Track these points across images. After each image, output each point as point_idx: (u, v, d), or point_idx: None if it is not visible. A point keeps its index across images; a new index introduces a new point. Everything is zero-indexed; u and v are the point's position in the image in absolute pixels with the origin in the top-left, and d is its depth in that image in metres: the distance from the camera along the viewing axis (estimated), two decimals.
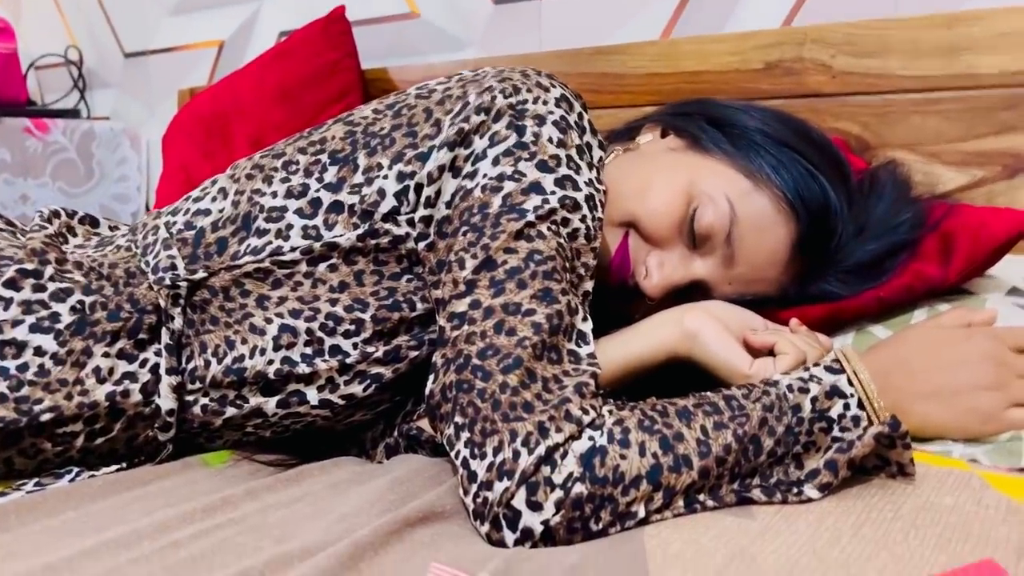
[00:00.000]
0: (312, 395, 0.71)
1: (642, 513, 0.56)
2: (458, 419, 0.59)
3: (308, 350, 0.70)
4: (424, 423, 0.75)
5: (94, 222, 0.84)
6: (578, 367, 0.60)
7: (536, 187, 0.65)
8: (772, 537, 0.53)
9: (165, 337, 0.70)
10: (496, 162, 0.67)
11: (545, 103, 0.70)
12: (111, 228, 0.84)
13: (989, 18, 1.00)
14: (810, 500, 0.58)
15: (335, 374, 0.71)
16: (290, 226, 0.71)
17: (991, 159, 1.02)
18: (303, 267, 0.70)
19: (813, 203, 0.74)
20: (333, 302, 0.70)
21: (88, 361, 0.68)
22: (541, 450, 0.55)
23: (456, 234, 0.66)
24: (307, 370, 0.70)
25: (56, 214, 0.80)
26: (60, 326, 0.68)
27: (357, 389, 0.72)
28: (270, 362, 0.70)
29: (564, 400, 0.57)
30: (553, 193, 0.65)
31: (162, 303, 0.70)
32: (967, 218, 0.82)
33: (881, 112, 1.07)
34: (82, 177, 2.02)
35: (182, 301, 0.71)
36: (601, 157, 0.75)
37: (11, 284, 0.68)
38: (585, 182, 0.68)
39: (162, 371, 0.70)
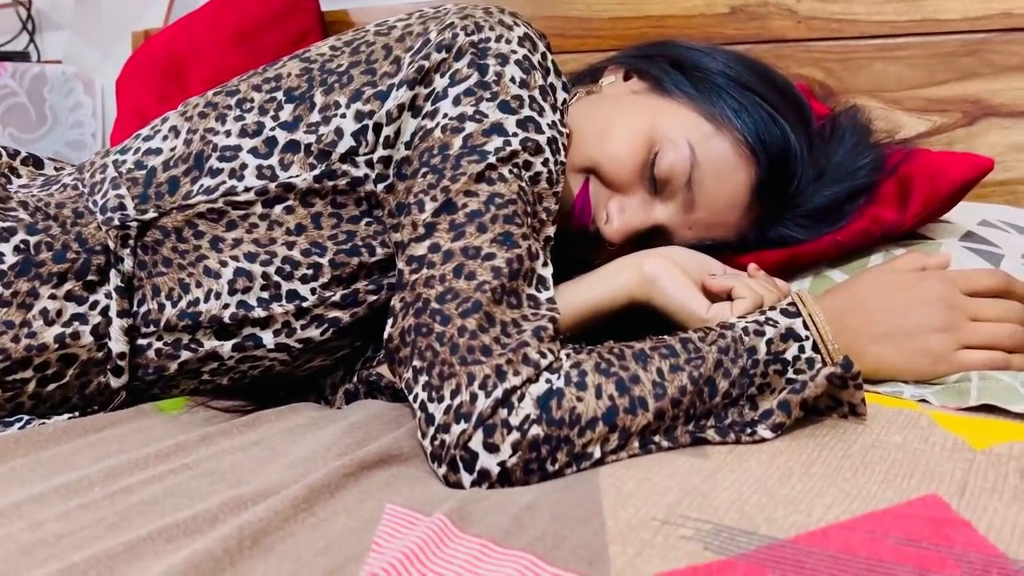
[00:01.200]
0: (268, 339, 0.71)
1: (598, 454, 0.56)
2: (416, 363, 0.58)
3: (264, 294, 0.69)
4: (384, 369, 0.74)
5: (38, 162, 0.81)
6: (537, 311, 0.60)
7: (498, 128, 0.64)
8: (725, 475, 0.53)
9: (115, 279, 0.68)
10: (457, 102, 0.65)
11: (508, 42, 0.68)
12: (56, 168, 0.81)
13: None
14: (763, 440, 0.58)
15: (291, 318, 0.70)
16: (244, 166, 0.69)
17: (951, 105, 1.02)
18: (258, 208, 0.69)
19: (773, 147, 0.74)
20: (290, 245, 0.69)
21: (35, 303, 0.66)
22: (498, 393, 0.55)
23: (416, 176, 0.65)
24: (263, 314, 0.69)
25: None
26: (4, 267, 0.66)
27: (314, 333, 0.71)
28: (225, 306, 0.69)
29: (522, 344, 0.57)
30: (515, 135, 0.64)
31: (111, 244, 0.69)
32: (925, 163, 0.82)
33: (845, 58, 1.07)
34: (34, 123, 1.96)
35: (132, 242, 0.69)
36: (565, 99, 0.74)
37: None
38: (548, 124, 0.66)
39: (113, 313, 0.68)
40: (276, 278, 0.69)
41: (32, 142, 1.95)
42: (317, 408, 0.73)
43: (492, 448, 0.55)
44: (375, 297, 0.72)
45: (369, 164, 0.68)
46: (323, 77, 0.70)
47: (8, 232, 0.67)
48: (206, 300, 0.69)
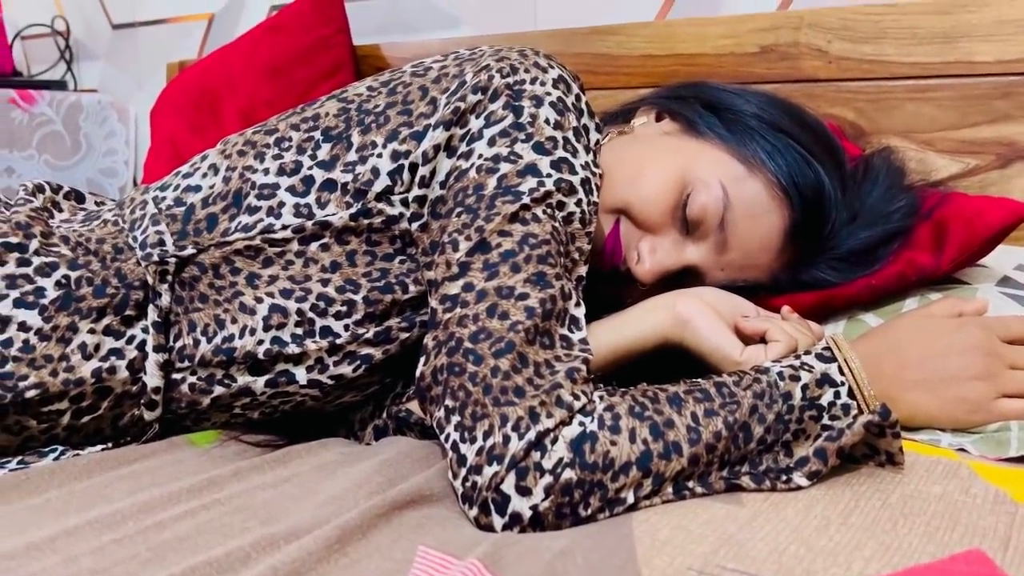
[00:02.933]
0: (301, 375, 0.71)
1: (631, 499, 0.56)
2: (449, 402, 0.58)
3: (298, 331, 0.70)
4: (413, 405, 0.74)
5: (80, 197, 0.82)
6: (570, 352, 0.60)
7: (532, 169, 0.64)
8: (761, 524, 0.53)
9: (152, 314, 0.69)
10: (492, 143, 0.66)
11: (543, 84, 0.69)
12: (97, 203, 0.83)
13: (988, 5, 0.99)
14: (799, 488, 0.58)
15: (324, 355, 0.70)
16: (282, 204, 0.70)
17: (984, 148, 1.01)
18: (294, 246, 0.70)
19: (807, 190, 0.74)
20: (325, 282, 0.70)
21: (74, 337, 0.67)
22: (531, 435, 0.55)
23: (450, 215, 0.65)
24: (297, 351, 0.70)
25: (41, 188, 0.79)
26: (45, 301, 0.67)
27: (347, 370, 0.71)
28: (260, 342, 0.70)
29: (555, 385, 0.57)
30: (549, 176, 0.65)
31: (150, 279, 0.69)
32: (961, 207, 0.81)
33: (876, 98, 1.07)
34: (69, 150, 2.00)
35: (170, 278, 0.70)
36: (598, 140, 0.75)
37: None
38: (581, 165, 0.67)
39: (149, 348, 0.69)
40: (310, 314, 0.70)
41: (67, 169, 1.99)
42: (347, 444, 0.73)
43: (524, 491, 0.54)
44: (407, 335, 0.72)
45: (404, 203, 0.69)
46: (360, 117, 0.71)
47: (50, 267, 0.68)
48: (241, 336, 0.70)
